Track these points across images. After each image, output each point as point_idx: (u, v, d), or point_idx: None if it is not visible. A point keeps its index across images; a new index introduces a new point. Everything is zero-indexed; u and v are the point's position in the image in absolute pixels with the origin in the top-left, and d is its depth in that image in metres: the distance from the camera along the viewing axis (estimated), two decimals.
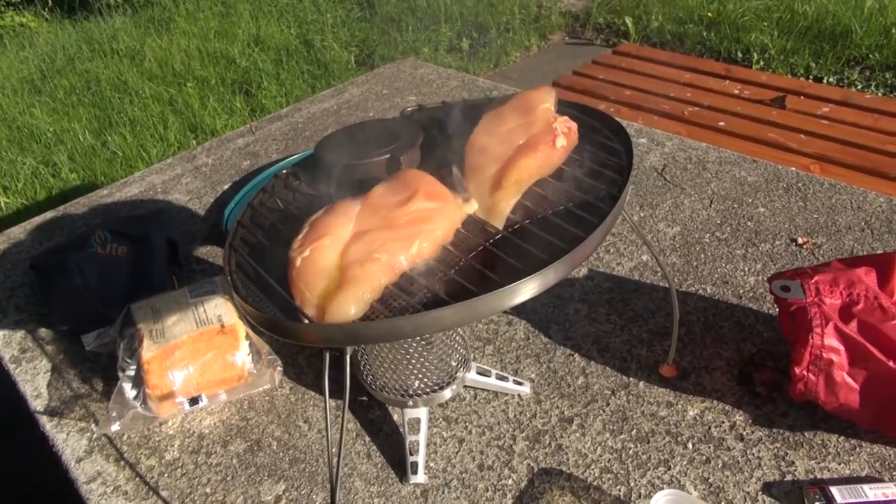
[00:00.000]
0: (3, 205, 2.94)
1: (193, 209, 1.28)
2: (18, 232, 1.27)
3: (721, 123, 1.99)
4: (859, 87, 2.92)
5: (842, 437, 0.74)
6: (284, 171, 0.70)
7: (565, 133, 0.65)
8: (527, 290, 0.52)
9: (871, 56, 3.06)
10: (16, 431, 1.05)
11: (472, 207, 0.60)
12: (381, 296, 0.54)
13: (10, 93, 3.76)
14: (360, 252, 0.54)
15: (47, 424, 0.88)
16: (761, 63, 3.16)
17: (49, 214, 1.31)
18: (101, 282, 0.99)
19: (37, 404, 0.91)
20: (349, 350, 0.53)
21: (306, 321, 0.52)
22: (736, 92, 2.15)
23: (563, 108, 0.72)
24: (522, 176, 0.62)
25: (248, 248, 0.62)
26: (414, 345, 0.73)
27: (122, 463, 0.82)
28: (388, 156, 0.65)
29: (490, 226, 0.59)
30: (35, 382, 0.94)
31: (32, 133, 3.38)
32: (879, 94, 2.80)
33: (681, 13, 3.67)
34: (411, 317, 0.50)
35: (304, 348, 0.93)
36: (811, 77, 3.02)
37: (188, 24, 4.37)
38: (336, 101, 1.61)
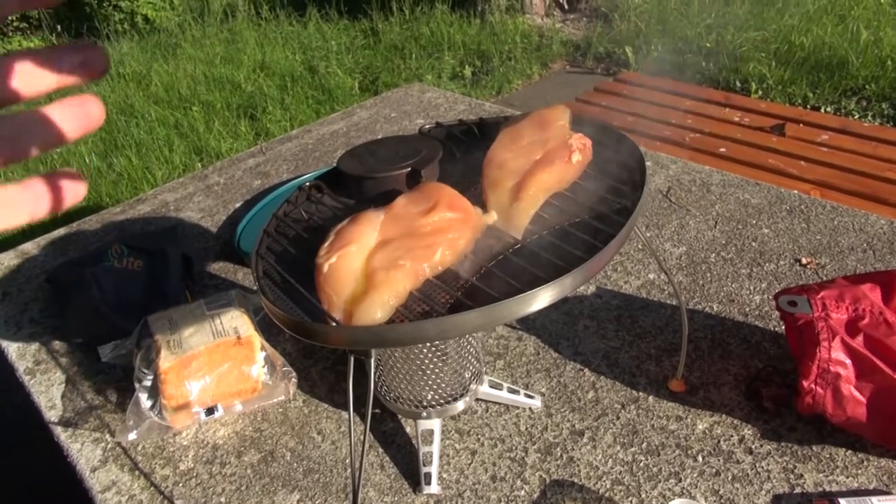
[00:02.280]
0: None
1: (205, 227, 1.30)
2: (32, 247, 1.29)
3: (722, 149, 2.02)
4: (856, 116, 2.97)
5: (849, 451, 0.75)
6: (308, 184, 0.72)
7: (580, 149, 0.67)
8: (545, 296, 0.54)
9: (867, 87, 3.12)
10: (30, 442, 1.05)
11: (492, 218, 0.62)
12: (406, 301, 0.55)
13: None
14: (385, 259, 0.56)
15: (62, 435, 0.89)
16: (759, 93, 3.22)
17: (62, 230, 1.33)
18: (118, 294, 1.00)
19: (51, 415, 0.92)
20: (374, 353, 0.54)
21: (333, 324, 0.53)
22: (736, 119, 2.19)
23: (578, 125, 0.75)
24: (540, 189, 0.64)
25: (275, 256, 0.64)
26: (429, 356, 0.74)
27: (137, 472, 0.82)
28: (410, 169, 0.67)
29: (509, 236, 0.61)
30: (49, 394, 0.95)
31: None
32: (876, 124, 2.84)
33: (680, 43, 3.74)
34: (435, 320, 0.51)
35: (318, 361, 0.95)
36: (809, 107, 3.07)
37: (194, 49, 4.45)
38: (345, 124, 1.64)
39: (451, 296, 0.55)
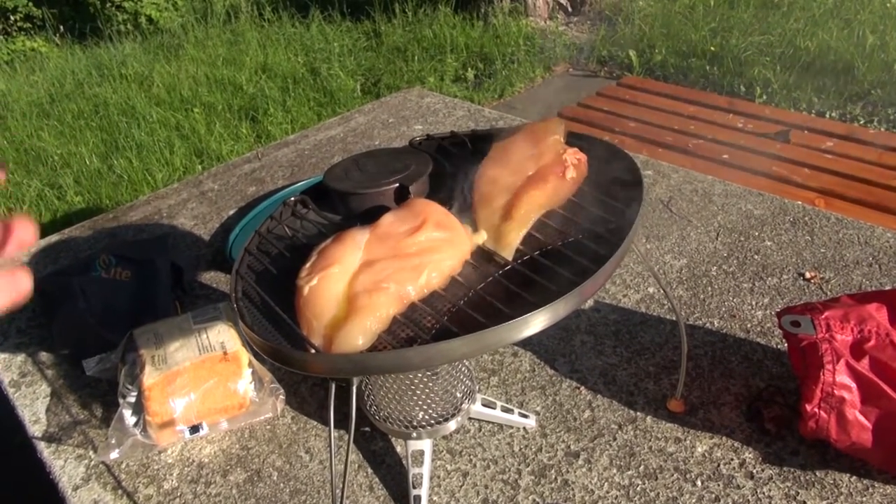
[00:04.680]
0: None
1: (198, 234, 1.27)
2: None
3: (725, 156, 2.00)
4: (861, 122, 2.93)
5: (854, 477, 0.72)
6: (293, 199, 0.70)
7: (575, 165, 0.64)
8: (537, 322, 0.51)
9: (873, 92, 3.09)
10: (12, 457, 1.03)
11: (482, 238, 0.60)
12: (389, 326, 0.53)
13: (19, 116, 3.79)
14: (369, 281, 0.53)
15: (45, 451, 0.87)
16: (764, 97, 3.18)
17: (54, 237, 1.31)
18: (105, 306, 0.98)
19: (35, 430, 0.89)
20: (356, 381, 0.52)
21: (313, 351, 0.51)
22: (740, 125, 2.16)
23: (573, 139, 0.72)
24: (532, 207, 0.61)
25: (255, 276, 0.61)
26: (419, 376, 0.72)
27: (120, 491, 0.80)
28: (397, 185, 0.65)
29: (499, 257, 0.59)
30: (34, 407, 0.93)
31: (39, 156, 3.40)
32: (882, 130, 2.81)
33: (684, 47, 3.71)
34: (419, 348, 0.49)
35: (307, 377, 0.92)
36: (813, 112, 3.04)
37: (197, 51, 4.43)
38: (342, 129, 1.62)
39: (437, 321, 0.53)
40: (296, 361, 0.51)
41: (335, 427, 0.83)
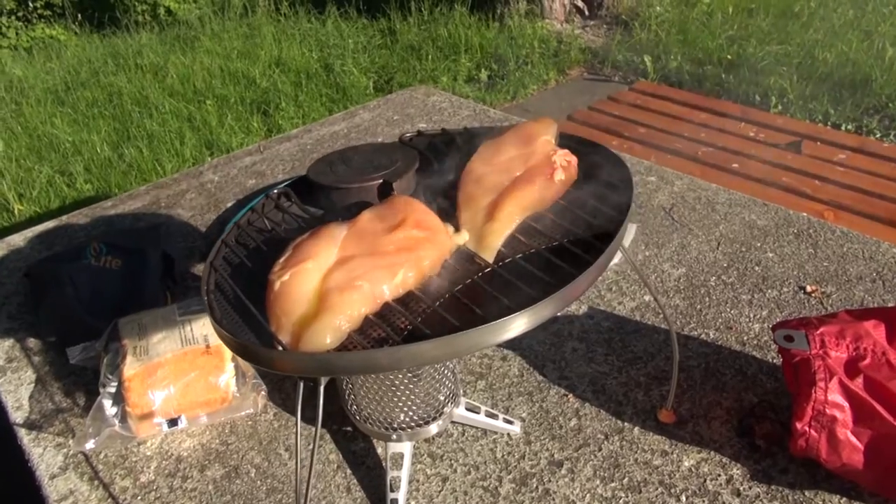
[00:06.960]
0: (16, 211, 2.96)
1: (195, 225, 1.27)
2: (18, 240, 1.27)
3: (734, 165, 1.97)
4: (878, 135, 2.88)
5: (844, 498, 0.70)
6: (275, 191, 0.68)
7: (564, 167, 0.63)
8: (513, 327, 0.50)
9: (890, 105, 3.04)
10: None
11: (463, 238, 0.59)
12: (361, 326, 0.52)
13: (34, 102, 3.82)
14: (342, 279, 0.52)
15: (25, 438, 0.86)
16: (779, 107, 3.14)
17: (51, 224, 1.31)
18: (93, 293, 0.98)
19: (17, 416, 0.89)
20: (323, 381, 0.51)
21: (280, 348, 0.49)
22: (751, 134, 2.13)
23: (564, 141, 0.70)
24: (517, 208, 0.60)
25: (230, 268, 0.60)
26: (400, 377, 0.70)
27: (97, 482, 0.79)
28: (381, 181, 0.63)
29: (480, 258, 0.57)
30: (17, 393, 0.92)
31: (52, 142, 3.42)
32: None
33: (700, 54, 3.67)
34: (388, 349, 0.47)
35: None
36: (829, 123, 2.99)
37: (212, 43, 4.44)
38: (346, 125, 1.61)
39: (411, 322, 0.51)
40: (262, 359, 0.50)
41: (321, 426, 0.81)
